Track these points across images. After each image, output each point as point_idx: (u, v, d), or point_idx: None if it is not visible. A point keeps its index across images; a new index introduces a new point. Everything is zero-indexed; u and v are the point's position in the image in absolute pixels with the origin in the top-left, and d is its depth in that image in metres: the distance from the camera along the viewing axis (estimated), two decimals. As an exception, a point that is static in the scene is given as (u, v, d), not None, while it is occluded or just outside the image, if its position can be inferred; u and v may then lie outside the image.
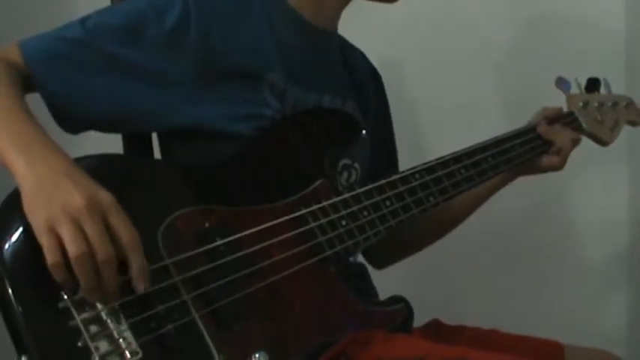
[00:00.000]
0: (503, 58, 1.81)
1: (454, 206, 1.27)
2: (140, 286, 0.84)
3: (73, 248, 0.80)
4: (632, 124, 1.47)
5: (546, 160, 1.29)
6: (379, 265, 1.34)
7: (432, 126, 1.84)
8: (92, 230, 0.80)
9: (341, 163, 1.13)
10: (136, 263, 0.83)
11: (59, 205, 0.81)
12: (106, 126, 1.05)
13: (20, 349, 0.81)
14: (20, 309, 0.80)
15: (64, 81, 0.98)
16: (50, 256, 0.80)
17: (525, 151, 1.26)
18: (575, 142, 1.31)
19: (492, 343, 1.16)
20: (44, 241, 0.80)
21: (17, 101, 0.91)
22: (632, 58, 1.75)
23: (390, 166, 1.29)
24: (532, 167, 1.29)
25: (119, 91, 1.00)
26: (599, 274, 1.84)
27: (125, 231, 0.83)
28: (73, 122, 1.01)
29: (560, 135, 1.29)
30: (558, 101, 1.39)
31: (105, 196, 0.83)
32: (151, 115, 1.02)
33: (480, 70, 1.80)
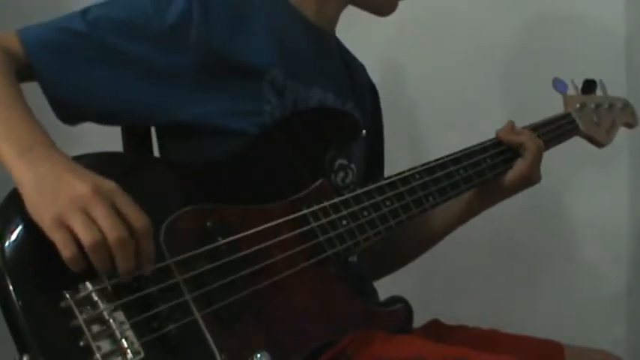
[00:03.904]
0: (503, 58, 1.81)
1: (434, 223, 1.27)
2: (148, 268, 0.84)
3: (86, 237, 0.80)
4: (628, 126, 1.47)
5: (510, 172, 1.20)
6: None
7: (431, 126, 1.84)
8: (102, 214, 0.81)
9: (337, 163, 1.13)
10: (147, 247, 0.84)
11: (66, 199, 0.81)
12: (104, 118, 1.05)
13: (22, 348, 0.80)
14: (22, 308, 0.80)
15: (64, 72, 0.98)
16: (65, 251, 0.80)
17: (497, 163, 1.20)
18: (540, 148, 1.22)
19: (492, 343, 1.16)
20: (56, 236, 0.80)
21: (15, 97, 0.91)
22: (632, 58, 1.75)
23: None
24: (501, 186, 1.21)
25: (119, 85, 1.00)
26: (599, 273, 1.83)
27: (135, 215, 0.83)
28: (71, 114, 1.01)
29: (524, 135, 1.22)
30: (557, 101, 1.39)
31: (110, 184, 0.83)
32: (150, 109, 1.03)
33: (479, 70, 1.80)
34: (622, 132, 1.46)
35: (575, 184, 1.78)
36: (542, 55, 1.76)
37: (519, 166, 1.21)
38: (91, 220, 0.81)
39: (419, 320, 1.17)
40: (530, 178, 1.22)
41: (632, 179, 1.81)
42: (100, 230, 0.80)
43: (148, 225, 0.84)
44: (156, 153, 1.16)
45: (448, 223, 1.27)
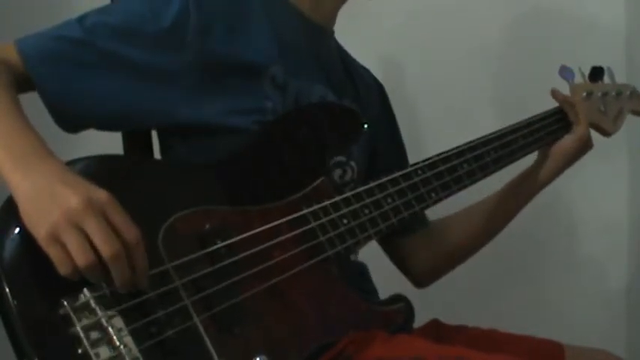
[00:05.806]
0: (503, 57, 1.81)
1: (501, 205, 1.29)
2: (142, 281, 0.84)
3: (80, 259, 0.80)
4: (636, 113, 1.44)
5: (568, 136, 1.27)
6: (420, 282, 1.33)
7: (431, 125, 1.84)
8: (94, 230, 0.80)
9: (334, 160, 1.13)
10: (139, 260, 0.83)
11: (58, 213, 0.80)
12: (106, 124, 1.05)
13: (21, 356, 0.81)
14: (20, 316, 0.80)
15: (63, 81, 0.98)
16: (61, 267, 0.80)
17: (541, 137, 1.25)
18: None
19: (492, 343, 1.16)
20: (51, 252, 0.80)
21: (12, 106, 0.90)
22: (632, 58, 1.75)
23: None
24: (563, 151, 1.27)
25: (119, 90, 1.00)
26: (599, 273, 1.84)
27: (126, 228, 0.82)
28: (72, 122, 1.01)
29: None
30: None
31: (101, 194, 0.83)
32: (151, 112, 1.02)
33: (479, 69, 1.80)
34: (621, 131, 1.45)
35: (574, 182, 1.78)
36: (543, 54, 1.76)
37: (577, 131, 1.27)
38: (85, 236, 0.80)
39: (419, 320, 1.17)
40: (588, 142, 1.28)
41: (631, 177, 1.81)
42: (93, 248, 0.80)
43: (139, 237, 0.83)
44: (156, 153, 1.16)
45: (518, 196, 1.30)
